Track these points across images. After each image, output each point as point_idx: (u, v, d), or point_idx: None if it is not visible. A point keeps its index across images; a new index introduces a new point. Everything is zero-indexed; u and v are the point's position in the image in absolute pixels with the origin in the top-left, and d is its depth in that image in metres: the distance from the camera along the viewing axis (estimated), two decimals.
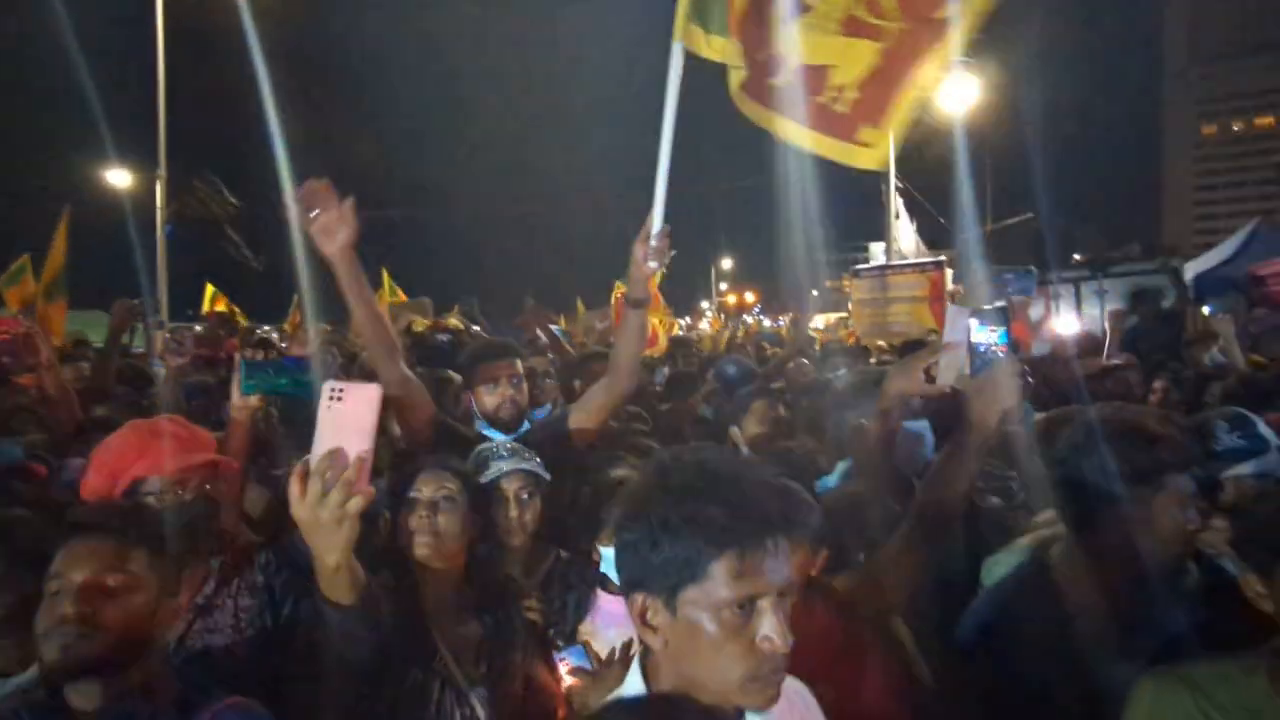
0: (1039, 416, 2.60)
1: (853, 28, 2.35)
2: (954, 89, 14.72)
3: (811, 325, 14.48)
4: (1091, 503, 1.61)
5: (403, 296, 9.99)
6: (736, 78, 2.55)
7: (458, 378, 3.54)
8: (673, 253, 2.52)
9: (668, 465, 1.10)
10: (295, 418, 2.38)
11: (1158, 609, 1.59)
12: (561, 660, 1.89)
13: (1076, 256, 9.47)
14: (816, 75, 2.41)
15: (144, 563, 1.38)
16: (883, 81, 2.35)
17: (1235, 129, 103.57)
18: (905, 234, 16.33)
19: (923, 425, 2.46)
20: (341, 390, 1.21)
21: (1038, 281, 7.56)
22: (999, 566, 2.09)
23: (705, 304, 45.80)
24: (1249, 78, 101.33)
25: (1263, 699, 1.30)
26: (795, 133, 2.45)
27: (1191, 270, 8.71)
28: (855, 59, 2.36)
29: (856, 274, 13.82)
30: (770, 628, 1.03)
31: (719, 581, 1.02)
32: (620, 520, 1.10)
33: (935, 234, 15.71)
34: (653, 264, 2.38)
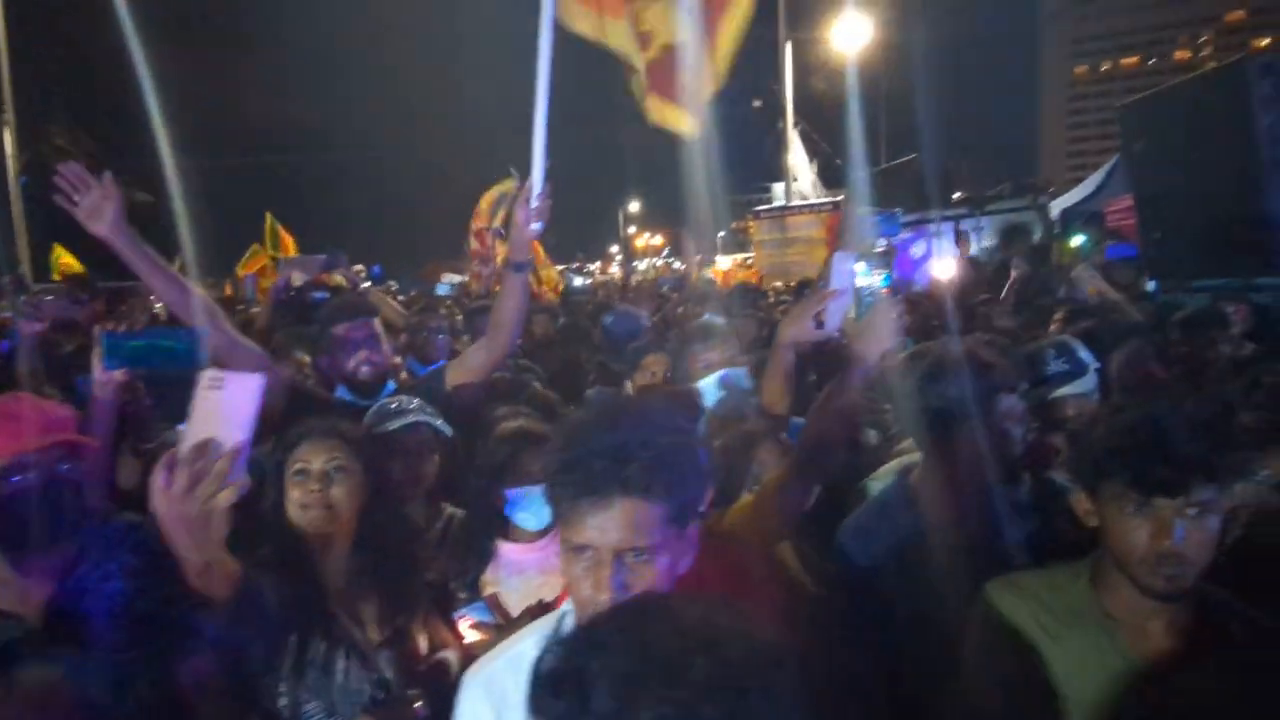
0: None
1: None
2: (848, 28, 14.96)
3: (715, 267, 14.66)
4: (940, 427, 1.77)
5: (290, 247, 9.33)
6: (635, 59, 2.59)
7: None
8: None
9: (586, 405, 1.17)
10: (165, 390, 2.24)
11: (1000, 520, 1.78)
12: (461, 618, 1.91)
13: (957, 195, 9.97)
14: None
15: None
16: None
17: (1104, 69, 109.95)
18: (804, 175, 16.66)
19: (741, 372, 2.52)
20: (221, 379, 1.17)
21: (903, 223, 7.98)
22: (874, 485, 2.26)
23: (615, 248, 45.52)
24: (1116, 19, 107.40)
25: (1085, 602, 1.45)
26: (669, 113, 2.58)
27: (1059, 206, 9.34)
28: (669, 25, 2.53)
29: (757, 215, 14.04)
30: (591, 583, 1.10)
31: (562, 523, 1.13)
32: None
33: (837, 175, 16.12)
34: (535, 226, 2.35)
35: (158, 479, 1.13)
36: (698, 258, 8.61)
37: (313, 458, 1.76)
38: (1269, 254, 2.92)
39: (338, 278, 6.04)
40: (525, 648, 1.25)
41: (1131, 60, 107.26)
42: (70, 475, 1.71)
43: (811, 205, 13.21)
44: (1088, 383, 2.29)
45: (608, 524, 1.09)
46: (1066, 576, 1.51)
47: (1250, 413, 2.28)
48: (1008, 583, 1.55)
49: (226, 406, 1.16)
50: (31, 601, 1.67)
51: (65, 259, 9.33)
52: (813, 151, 16.59)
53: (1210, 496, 1.30)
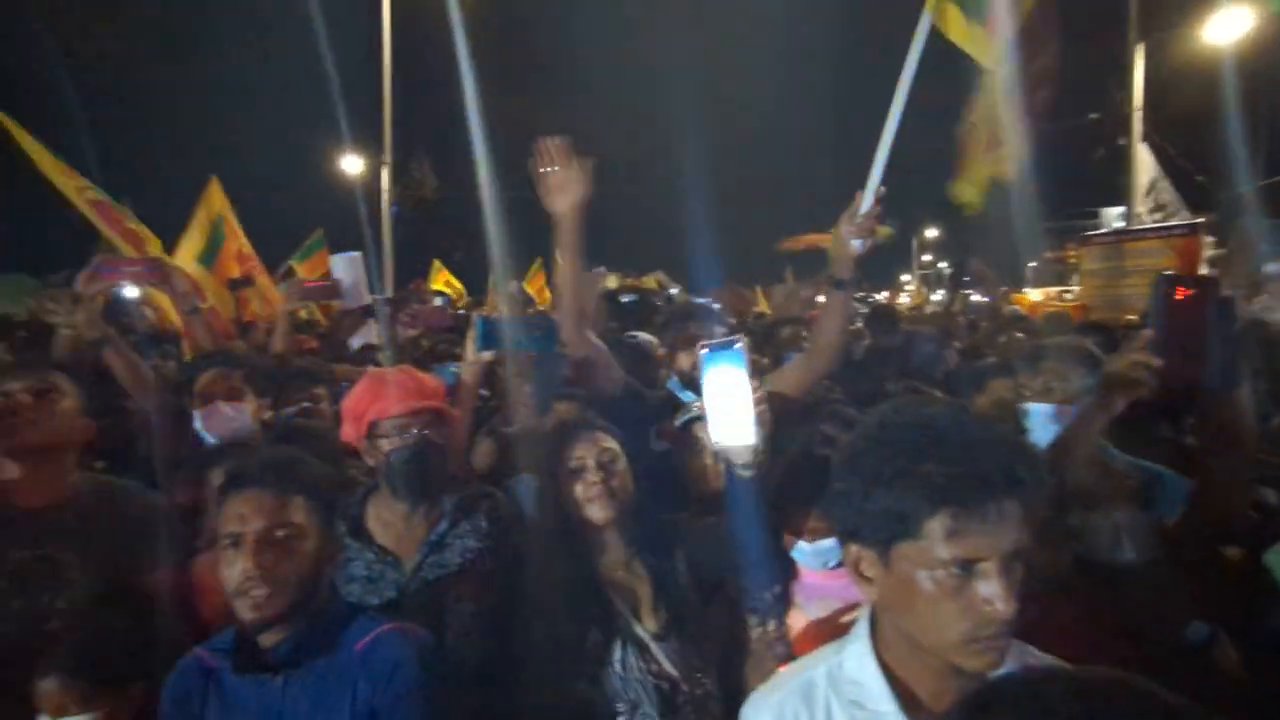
0: None
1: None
2: (1221, 21, 12.51)
3: (1029, 298, 13.17)
4: None
5: (458, 285, 10.52)
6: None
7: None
8: (890, 231, 2.54)
9: (887, 418, 1.09)
10: (531, 375, 2.44)
11: None
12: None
13: None
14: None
15: (304, 510, 1.42)
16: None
17: None
18: (1144, 196, 14.21)
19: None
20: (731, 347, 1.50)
21: None
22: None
23: (905, 276, 43.15)
24: None
25: None
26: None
27: None
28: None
29: (1087, 241, 12.32)
30: (991, 591, 0.99)
31: (935, 540, 1.00)
32: (836, 470, 1.11)
33: (1191, 195, 13.48)
34: (856, 242, 2.26)
35: None
36: (1003, 288, 7.90)
37: (585, 453, 1.86)
38: None
39: (649, 280, 6.47)
40: (816, 675, 1.18)
41: None
42: (435, 440, 1.97)
43: (1157, 229, 11.19)
44: None
45: (1009, 528, 1.00)
46: None
47: None
48: None
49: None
50: (413, 544, 1.95)
51: (445, 275, 11.47)
52: (1167, 168, 14.01)
53: None
